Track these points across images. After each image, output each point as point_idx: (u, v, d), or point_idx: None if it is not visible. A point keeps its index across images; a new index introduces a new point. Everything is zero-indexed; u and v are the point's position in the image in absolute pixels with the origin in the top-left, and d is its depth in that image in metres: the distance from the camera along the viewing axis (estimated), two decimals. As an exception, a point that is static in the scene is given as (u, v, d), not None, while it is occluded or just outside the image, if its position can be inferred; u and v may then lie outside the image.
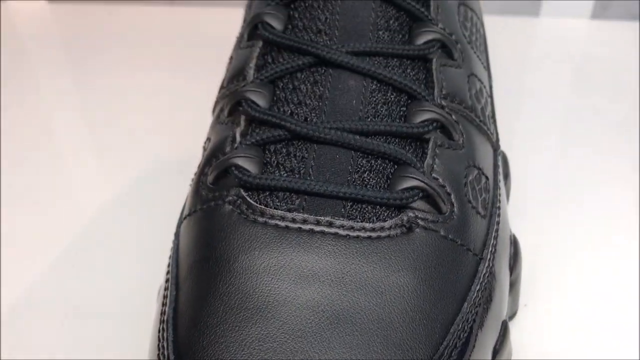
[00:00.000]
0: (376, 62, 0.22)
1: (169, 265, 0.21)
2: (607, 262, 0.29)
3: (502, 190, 0.24)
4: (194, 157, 0.28)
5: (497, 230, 0.22)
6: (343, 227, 0.19)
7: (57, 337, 0.27)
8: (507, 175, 0.28)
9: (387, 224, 0.19)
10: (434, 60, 0.23)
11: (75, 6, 0.53)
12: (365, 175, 0.20)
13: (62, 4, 0.54)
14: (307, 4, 0.23)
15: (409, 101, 0.22)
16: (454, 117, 0.22)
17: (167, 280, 0.20)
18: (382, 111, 0.21)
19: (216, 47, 0.45)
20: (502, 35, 0.45)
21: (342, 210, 0.19)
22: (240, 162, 0.20)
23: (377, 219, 0.19)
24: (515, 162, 0.32)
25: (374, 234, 0.19)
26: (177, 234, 0.22)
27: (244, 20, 0.26)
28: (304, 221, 0.19)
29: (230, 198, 0.20)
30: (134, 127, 0.40)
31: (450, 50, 0.23)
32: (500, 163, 0.25)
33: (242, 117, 0.22)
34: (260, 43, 0.23)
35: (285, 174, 0.20)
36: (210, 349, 0.17)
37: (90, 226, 0.33)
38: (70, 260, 0.31)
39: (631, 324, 0.26)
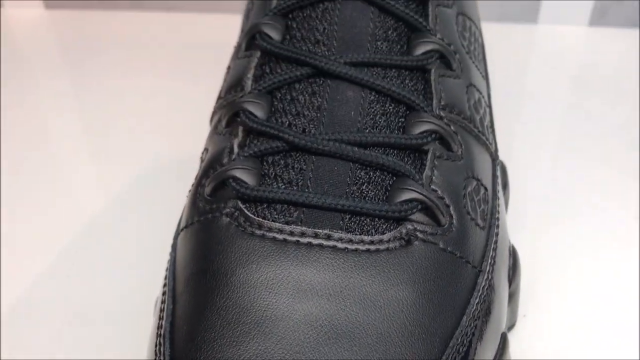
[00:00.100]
0: (374, 73, 0.22)
1: (165, 278, 0.21)
2: (606, 272, 0.29)
3: (501, 201, 0.24)
4: (193, 158, 0.28)
5: (496, 242, 0.22)
6: (341, 240, 0.19)
7: (57, 338, 0.27)
8: (505, 185, 0.28)
9: (385, 237, 0.19)
10: (433, 70, 0.23)
11: (73, 12, 0.53)
12: (364, 187, 0.20)
13: (60, 11, 0.54)
14: (305, 14, 0.23)
15: (408, 112, 0.22)
16: (452, 127, 0.22)
17: (163, 293, 0.20)
18: (380, 122, 0.21)
19: (213, 53, 0.45)
20: (501, 42, 0.45)
21: (341, 222, 0.19)
22: (238, 173, 0.20)
23: (375, 231, 0.19)
24: (514, 171, 0.32)
25: (372, 247, 0.19)
26: (174, 246, 0.22)
27: (242, 30, 0.26)
28: (302, 234, 0.19)
29: (228, 210, 0.20)
30: (132, 130, 0.40)
31: (449, 60, 0.23)
32: (499, 173, 0.25)
33: (240, 128, 0.22)
34: (258, 53, 0.23)
35: (283, 186, 0.20)
36: (207, 365, 0.17)
37: (90, 227, 0.33)
38: (70, 260, 0.31)
39: (630, 335, 0.26)
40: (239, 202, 0.20)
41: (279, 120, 0.21)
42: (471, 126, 0.23)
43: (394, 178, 0.20)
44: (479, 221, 0.22)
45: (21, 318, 0.28)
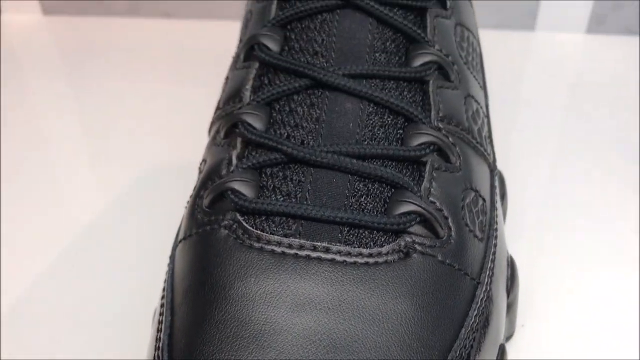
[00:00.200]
0: (373, 84, 0.22)
1: (164, 290, 0.21)
2: (604, 282, 0.29)
3: (499, 212, 0.24)
4: (191, 162, 0.28)
5: (494, 253, 0.22)
6: (340, 252, 0.19)
7: (57, 338, 0.27)
8: (503, 195, 0.28)
9: (384, 250, 0.19)
10: (431, 82, 0.23)
11: (71, 18, 0.53)
12: (362, 199, 0.20)
13: (58, 17, 0.54)
14: (303, 26, 0.23)
15: (406, 124, 0.22)
16: (451, 139, 0.22)
17: (162, 305, 0.20)
18: (379, 134, 0.21)
19: (211, 58, 0.46)
20: (498, 49, 0.45)
21: (339, 235, 0.19)
22: (237, 186, 0.20)
23: (374, 244, 0.19)
24: (511, 180, 0.32)
25: (371, 260, 0.19)
26: (172, 258, 0.22)
27: (240, 40, 0.26)
28: (301, 247, 0.19)
29: (226, 222, 0.20)
30: (131, 134, 0.40)
31: (447, 71, 0.23)
32: (497, 184, 0.25)
33: (239, 140, 0.22)
34: (257, 64, 0.23)
35: (282, 198, 0.20)
36: (205, 379, 0.17)
37: (90, 228, 0.33)
38: (70, 262, 0.31)
39: (629, 344, 0.26)
40: (238, 215, 0.20)
41: (278, 132, 0.21)
42: (469, 137, 0.23)
43: (393, 190, 0.20)
44: (477, 233, 0.22)
45: (21, 318, 0.28)
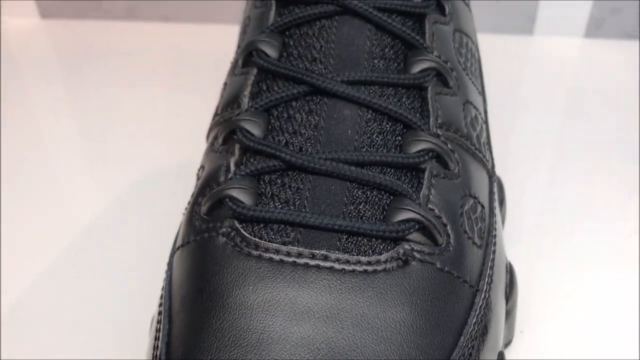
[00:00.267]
0: (371, 91, 0.22)
1: (161, 297, 0.21)
2: (603, 287, 0.29)
3: (498, 218, 0.24)
4: (189, 167, 0.29)
5: (493, 260, 0.22)
6: (338, 260, 0.19)
7: (57, 338, 0.28)
8: (502, 201, 0.28)
9: (383, 257, 0.19)
10: (430, 88, 0.23)
11: (70, 23, 0.53)
12: (361, 206, 0.20)
13: (55, 21, 0.54)
14: (302, 32, 0.23)
15: (405, 130, 0.22)
16: (449, 146, 0.22)
17: (159, 313, 0.20)
18: (377, 141, 0.21)
19: (209, 63, 0.46)
20: (496, 53, 0.45)
21: (338, 243, 0.19)
22: (235, 193, 0.20)
23: (372, 252, 0.19)
24: (509, 184, 0.32)
25: (369, 268, 0.19)
26: (169, 265, 0.22)
27: (238, 45, 0.26)
28: (299, 255, 0.19)
29: (224, 230, 0.20)
30: (129, 138, 0.40)
31: (446, 78, 0.23)
32: (495, 189, 0.25)
33: (237, 146, 0.22)
34: (255, 70, 0.23)
35: (280, 206, 0.20)
36: (203, 388, 0.17)
37: (89, 229, 0.33)
38: (70, 262, 0.31)
39: (629, 350, 0.26)
40: (236, 222, 0.20)
41: (276, 139, 0.21)
42: (468, 144, 0.23)
43: (391, 197, 0.20)
44: (476, 240, 0.22)
45: (21, 318, 0.29)
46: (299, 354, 0.17)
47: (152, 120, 0.42)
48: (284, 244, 0.19)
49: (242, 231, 0.19)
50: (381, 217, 0.20)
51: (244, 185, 0.20)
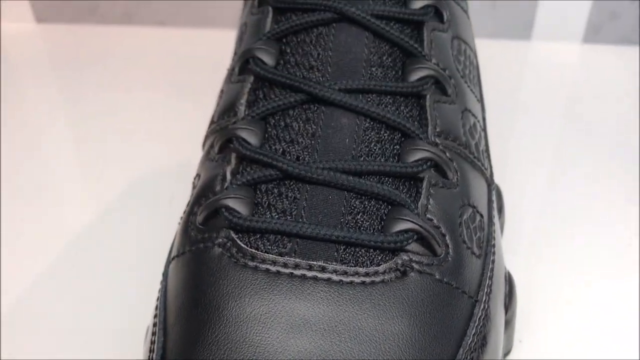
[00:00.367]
0: (369, 99, 0.22)
1: (156, 308, 0.20)
2: (603, 295, 0.29)
3: (497, 227, 0.24)
4: (187, 168, 0.29)
5: (492, 270, 0.22)
6: (336, 272, 0.18)
7: (57, 338, 0.28)
8: (500, 209, 0.28)
9: (381, 268, 0.19)
10: (428, 96, 0.22)
11: (65, 27, 0.53)
12: (359, 217, 0.20)
13: (51, 25, 0.53)
14: (299, 39, 0.23)
15: (403, 139, 0.22)
16: (448, 154, 0.22)
17: (154, 324, 0.20)
18: (375, 150, 0.21)
19: (205, 67, 0.45)
20: (494, 58, 0.45)
21: (335, 254, 0.19)
22: (231, 203, 0.20)
23: (370, 262, 0.19)
24: (508, 191, 0.32)
25: (367, 279, 0.18)
26: (165, 275, 0.21)
27: (235, 53, 0.26)
28: (296, 266, 0.18)
29: (220, 240, 0.20)
30: (125, 142, 0.40)
31: (444, 86, 0.23)
32: (494, 198, 0.25)
33: (233, 155, 0.21)
34: (252, 78, 0.23)
35: (277, 216, 0.20)
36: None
37: (88, 230, 0.33)
38: (70, 262, 0.32)
39: (630, 358, 0.26)
40: (232, 232, 0.19)
41: (273, 148, 0.21)
42: (467, 152, 0.23)
43: (389, 207, 0.20)
44: (475, 249, 0.21)
45: (21, 318, 0.29)
46: (296, 368, 0.17)
47: (149, 124, 0.42)
48: (280, 254, 0.19)
49: (238, 242, 0.19)
50: (379, 228, 0.20)
51: (240, 195, 0.20)
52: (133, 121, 0.42)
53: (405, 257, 0.19)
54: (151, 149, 0.39)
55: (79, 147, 0.40)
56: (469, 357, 0.19)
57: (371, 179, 0.20)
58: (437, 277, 0.19)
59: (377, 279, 0.19)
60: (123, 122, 0.42)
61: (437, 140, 0.22)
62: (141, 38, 0.51)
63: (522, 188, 0.34)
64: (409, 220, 0.20)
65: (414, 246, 0.19)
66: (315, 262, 0.18)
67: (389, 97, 0.22)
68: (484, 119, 0.27)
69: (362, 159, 0.21)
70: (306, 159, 0.21)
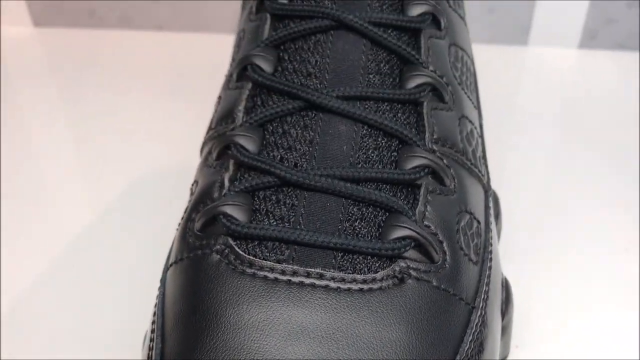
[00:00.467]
0: (367, 106, 0.22)
1: (154, 315, 0.20)
2: (600, 300, 0.29)
3: (494, 233, 0.24)
4: (185, 173, 0.30)
5: (489, 276, 0.22)
6: (334, 279, 0.18)
7: (57, 338, 0.28)
8: (497, 215, 0.28)
9: (378, 275, 0.19)
10: (425, 104, 0.22)
11: (63, 31, 0.53)
12: (357, 223, 0.20)
13: (48, 29, 0.53)
14: (297, 46, 0.23)
15: (400, 146, 0.22)
16: (445, 161, 0.22)
17: (152, 331, 0.20)
18: (373, 157, 0.21)
19: (204, 72, 0.45)
20: (491, 64, 0.45)
21: (333, 261, 0.19)
22: (229, 210, 0.20)
23: (368, 269, 0.19)
24: (504, 196, 0.32)
25: (365, 286, 0.19)
26: (163, 281, 0.21)
27: (232, 59, 0.26)
28: (294, 273, 0.18)
29: (218, 247, 0.20)
30: (121, 145, 0.40)
31: (441, 93, 0.23)
32: (491, 204, 0.25)
33: (231, 162, 0.22)
34: (250, 85, 0.23)
35: (275, 223, 0.20)
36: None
37: (88, 233, 0.34)
38: (70, 262, 0.32)
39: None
40: (230, 239, 0.20)
41: (271, 154, 0.21)
42: (464, 159, 0.23)
43: (387, 214, 0.20)
44: (472, 256, 0.21)
45: (21, 319, 0.29)
46: (294, 375, 0.17)
47: (146, 127, 0.42)
48: (278, 262, 0.19)
49: (236, 248, 0.19)
50: (377, 234, 0.20)
51: (238, 202, 0.20)
52: (131, 124, 0.42)
53: (402, 264, 0.19)
54: (149, 151, 0.39)
55: (77, 150, 0.40)
56: (466, 364, 0.19)
57: (369, 186, 0.20)
58: (434, 284, 0.19)
59: (375, 286, 0.19)
60: (120, 124, 0.42)
61: (435, 147, 0.22)
62: (139, 42, 0.51)
63: (518, 193, 0.34)
64: (406, 227, 0.20)
65: (411, 253, 0.19)
66: (313, 269, 0.19)
67: (386, 104, 0.22)
68: (481, 125, 0.27)
69: (359, 166, 0.21)
70: (304, 165, 0.21)
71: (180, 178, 0.33)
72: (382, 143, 0.21)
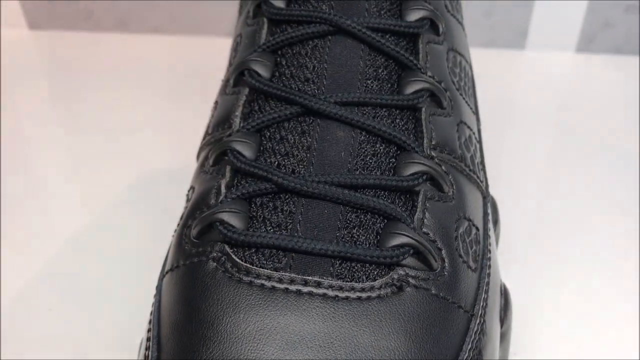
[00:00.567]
0: (365, 112, 0.22)
1: (150, 322, 0.20)
2: (600, 307, 0.28)
3: (492, 239, 0.24)
4: (182, 175, 0.30)
5: (487, 284, 0.22)
6: (332, 287, 0.18)
7: (58, 338, 0.28)
8: (496, 221, 0.28)
9: (377, 284, 0.19)
10: (423, 109, 0.22)
11: (58, 34, 0.53)
12: (354, 231, 0.20)
13: (44, 32, 0.53)
14: (294, 51, 0.23)
15: (398, 152, 0.21)
16: (443, 167, 0.22)
17: (148, 339, 0.20)
18: (371, 163, 0.21)
19: (201, 75, 0.45)
20: (488, 68, 0.45)
21: (331, 269, 0.19)
22: (226, 217, 0.20)
23: (366, 277, 0.19)
24: (502, 201, 0.32)
25: (363, 295, 0.18)
26: (158, 289, 0.21)
27: (229, 64, 0.26)
28: (291, 281, 0.18)
29: (215, 254, 0.19)
30: (120, 149, 0.40)
31: (440, 98, 0.23)
32: (489, 210, 0.25)
33: (228, 168, 0.21)
34: (247, 90, 0.23)
35: (272, 230, 0.20)
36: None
37: (86, 235, 0.34)
38: (70, 261, 0.32)
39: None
40: (226, 247, 0.19)
41: (268, 161, 0.21)
42: (462, 165, 0.23)
43: (385, 221, 0.20)
44: (471, 263, 0.21)
45: (21, 318, 0.29)
46: (291, 385, 0.16)
47: (143, 130, 0.41)
48: (275, 269, 0.19)
49: (233, 256, 0.19)
50: (375, 242, 0.20)
51: (234, 209, 0.20)
52: (127, 127, 0.42)
53: (401, 271, 0.19)
54: (145, 155, 0.39)
55: (72, 154, 0.40)
56: (465, 373, 0.19)
57: (367, 193, 0.20)
58: (433, 292, 0.19)
59: (373, 294, 0.18)
60: (117, 127, 0.42)
61: (433, 154, 0.22)
62: (135, 45, 0.51)
63: (517, 199, 0.34)
64: (405, 235, 0.19)
65: (410, 261, 0.19)
66: (310, 277, 0.18)
67: (384, 110, 0.22)
68: (479, 131, 0.27)
69: (357, 172, 0.21)
70: (301, 172, 0.20)
71: (177, 183, 0.33)
72: (380, 149, 0.21)
